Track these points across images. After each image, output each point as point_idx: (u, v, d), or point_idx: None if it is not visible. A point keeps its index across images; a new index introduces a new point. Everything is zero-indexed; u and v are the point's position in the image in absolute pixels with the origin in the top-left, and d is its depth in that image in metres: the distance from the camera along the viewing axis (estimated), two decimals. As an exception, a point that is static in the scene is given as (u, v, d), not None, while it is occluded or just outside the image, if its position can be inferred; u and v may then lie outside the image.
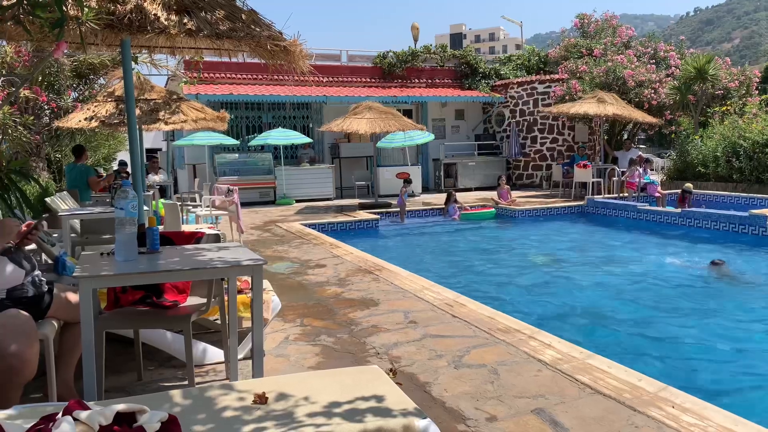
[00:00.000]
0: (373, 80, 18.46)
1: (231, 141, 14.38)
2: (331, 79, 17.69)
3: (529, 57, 20.88)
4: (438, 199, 14.94)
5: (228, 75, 16.50)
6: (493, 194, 14.16)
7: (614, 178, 14.12)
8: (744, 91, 15.85)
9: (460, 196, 14.10)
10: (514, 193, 14.66)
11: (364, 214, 12.04)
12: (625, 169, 13.72)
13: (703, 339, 5.06)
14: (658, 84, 15.73)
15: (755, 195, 12.23)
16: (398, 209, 12.44)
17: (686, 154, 14.96)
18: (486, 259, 8.83)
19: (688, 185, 12.08)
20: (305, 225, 10.51)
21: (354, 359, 3.82)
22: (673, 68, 16.47)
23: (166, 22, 3.75)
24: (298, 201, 15.12)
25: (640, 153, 15.16)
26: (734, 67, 16.41)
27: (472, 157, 18.28)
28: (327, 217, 11.70)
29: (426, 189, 17.91)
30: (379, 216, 11.76)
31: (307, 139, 15.34)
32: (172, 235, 3.69)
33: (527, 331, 4.29)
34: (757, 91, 16.33)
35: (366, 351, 4.00)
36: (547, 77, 18.25)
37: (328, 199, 15.53)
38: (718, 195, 12.83)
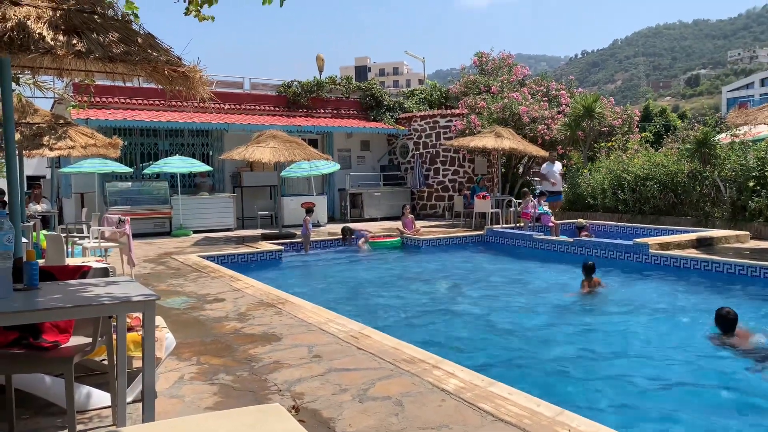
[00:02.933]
0: (278, 109, 18.32)
1: (124, 169, 13.64)
2: (232, 106, 17.35)
3: (431, 92, 21.56)
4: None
5: (122, 100, 15.79)
6: (398, 224, 14.34)
7: (511, 209, 14.74)
8: (626, 129, 17.19)
9: (366, 226, 14.16)
10: (418, 223, 14.91)
11: (267, 245, 11.76)
12: (521, 201, 14.36)
13: (596, 360, 5.29)
14: (550, 120, 16.70)
15: (638, 225, 13.18)
16: (303, 239, 12.28)
17: (576, 187, 15.93)
18: (392, 289, 8.86)
19: (580, 221, 12.87)
20: (203, 257, 10.10)
21: (254, 398, 3.66)
22: (564, 106, 17.55)
23: (52, 42, 3.50)
24: (196, 232, 14.56)
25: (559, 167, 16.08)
26: (617, 106, 17.79)
27: (378, 187, 18.51)
28: (227, 249, 11.33)
29: (332, 219, 17.85)
30: (282, 247, 11.53)
31: (207, 167, 14.87)
32: (54, 269, 3.40)
33: (431, 360, 4.30)
34: (637, 129, 17.77)
35: (267, 388, 3.85)
36: (449, 112, 18.90)
37: (228, 230, 15.06)
38: (606, 225, 13.69)
